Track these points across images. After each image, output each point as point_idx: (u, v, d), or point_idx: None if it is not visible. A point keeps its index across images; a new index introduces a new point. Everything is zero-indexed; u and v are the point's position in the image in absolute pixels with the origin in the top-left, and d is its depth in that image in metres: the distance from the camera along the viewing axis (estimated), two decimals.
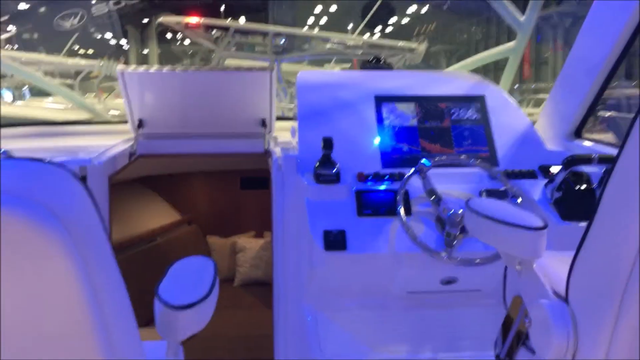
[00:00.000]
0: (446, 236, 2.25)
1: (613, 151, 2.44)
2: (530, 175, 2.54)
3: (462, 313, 2.54)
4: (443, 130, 2.67)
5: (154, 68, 2.84)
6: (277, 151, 2.65)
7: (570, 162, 2.27)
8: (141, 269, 3.53)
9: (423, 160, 2.34)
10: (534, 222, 1.41)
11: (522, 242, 1.40)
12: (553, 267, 1.38)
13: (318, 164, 2.41)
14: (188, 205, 4.35)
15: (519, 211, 1.51)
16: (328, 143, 2.38)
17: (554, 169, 2.56)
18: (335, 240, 2.28)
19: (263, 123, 3.11)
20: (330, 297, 2.46)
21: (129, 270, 3.46)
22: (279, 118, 3.47)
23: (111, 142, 2.79)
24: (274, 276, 2.48)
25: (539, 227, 1.39)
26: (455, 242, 2.24)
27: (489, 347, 2.46)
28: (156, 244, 3.94)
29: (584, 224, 2.34)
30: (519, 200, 2.32)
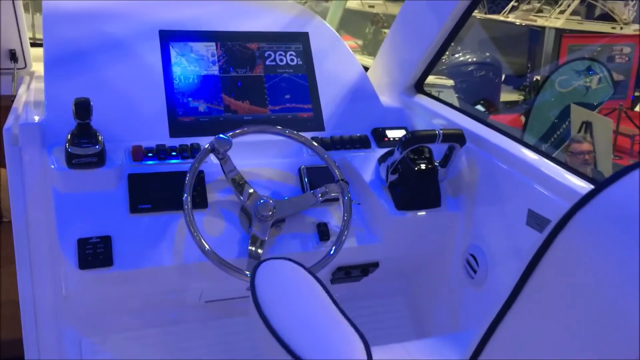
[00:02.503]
0: (250, 244, 1.68)
1: (459, 119, 1.97)
2: (363, 143, 2.02)
3: None
4: (254, 80, 2.03)
5: None
6: (19, 109, 1.85)
7: (408, 141, 1.76)
8: None
9: (220, 135, 1.70)
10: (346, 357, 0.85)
11: None
12: None
13: (70, 137, 1.67)
14: None
15: (329, 325, 0.94)
16: (83, 109, 1.64)
17: (391, 134, 2.06)
18: (94, 254, 1.61)
19: (13, 56, 2.25)
20: (100, 317, 1.84)
21: None
22: None
23: None
24: (20, 294, 1.78)
25: None
26: (261, 252, 1.68)
27: None
28: None
29: (422, 213, 1.90)
30: (346, 184, 1.79)
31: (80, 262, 1.59)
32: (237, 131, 1.73)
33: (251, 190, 1.74)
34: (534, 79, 8.92)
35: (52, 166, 1.66)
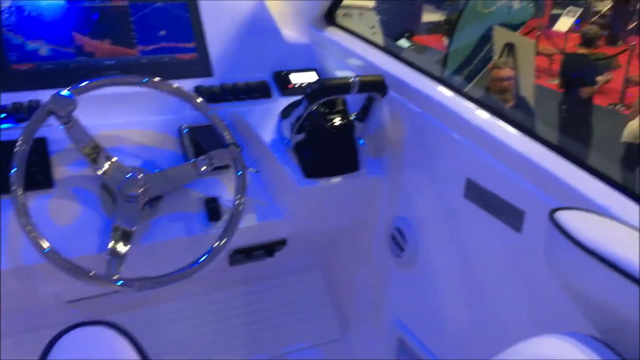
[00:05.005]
0: (112, 238, 1.27)
1: (380, 59, 1.58)
2: (262, 91, 1.61)
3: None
4: (116, 12, 1.55)
5: None
6: None
7: (315, 93, 1.37)
8: None
9: (59, 93, 1.25)
10: None
11: None
12: None
13: None
14: None
15: None
16: None
17: (297, 78, 1.66)
18: None
19: None
20: None
21: None
22: None
23: None
24: None
25: None
26: (128, 248, 1.27)
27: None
28: None
29: (337, 180, 1.53)
30: (238, 149, 1.40)
31: None
32: (81, 85, 1.28)
33: (113, 162, 1.32)
34: None
35: None
